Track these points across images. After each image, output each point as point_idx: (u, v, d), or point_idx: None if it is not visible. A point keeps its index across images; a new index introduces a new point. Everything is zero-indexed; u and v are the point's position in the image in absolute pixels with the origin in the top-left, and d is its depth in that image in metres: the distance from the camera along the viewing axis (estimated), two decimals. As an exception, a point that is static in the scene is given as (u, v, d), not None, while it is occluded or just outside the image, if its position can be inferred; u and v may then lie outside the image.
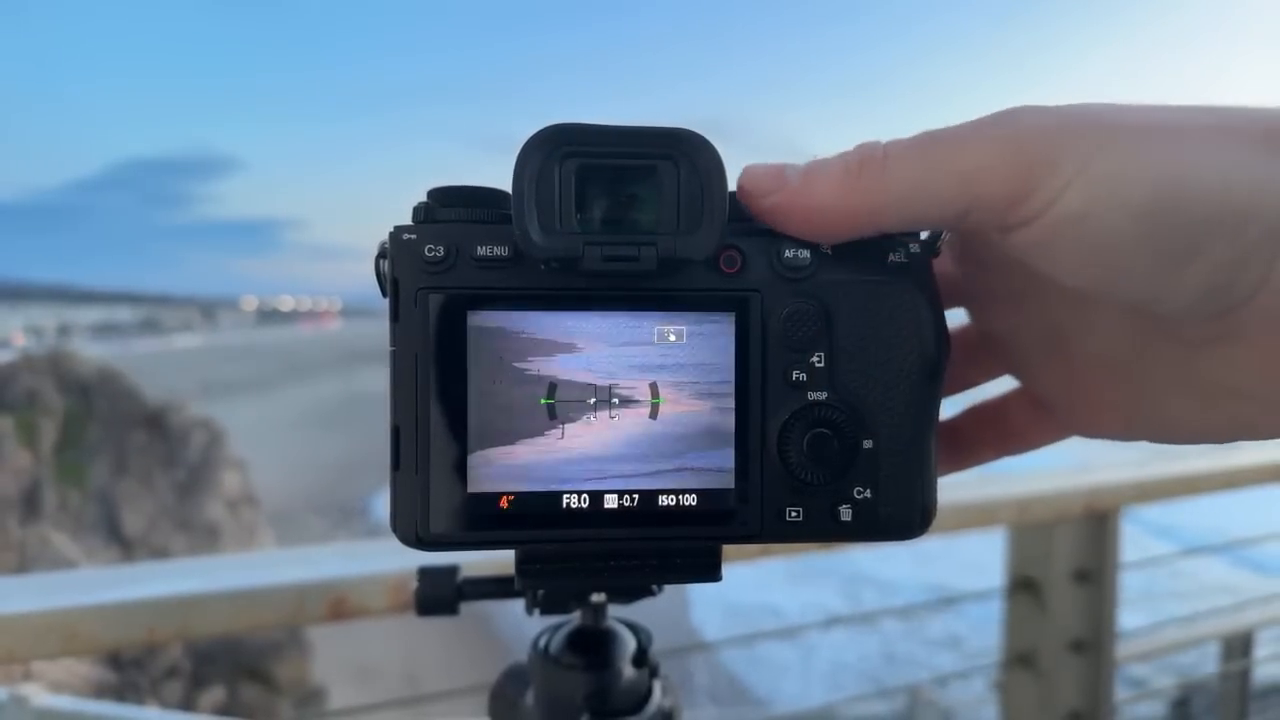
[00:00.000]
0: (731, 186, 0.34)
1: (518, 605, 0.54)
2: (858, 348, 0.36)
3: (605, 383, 0.35)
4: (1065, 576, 1.54)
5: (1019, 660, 1.58)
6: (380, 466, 0.35)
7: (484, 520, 0.35)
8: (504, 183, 0.34)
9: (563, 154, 0.33)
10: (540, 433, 0.35)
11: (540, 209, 0.33)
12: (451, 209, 0.35)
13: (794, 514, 0.36)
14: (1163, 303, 0.31)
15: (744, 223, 0.35)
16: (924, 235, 0.37)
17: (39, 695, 1.14)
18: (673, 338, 0.35)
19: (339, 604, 0.99)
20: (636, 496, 0.35)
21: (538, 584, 0.40)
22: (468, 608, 0.58)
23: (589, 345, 0.35)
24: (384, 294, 0.36)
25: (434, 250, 0.34)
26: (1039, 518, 1.43)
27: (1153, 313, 0.33)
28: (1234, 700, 1.92)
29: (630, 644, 0.55)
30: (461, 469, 0.34)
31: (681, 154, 0.33)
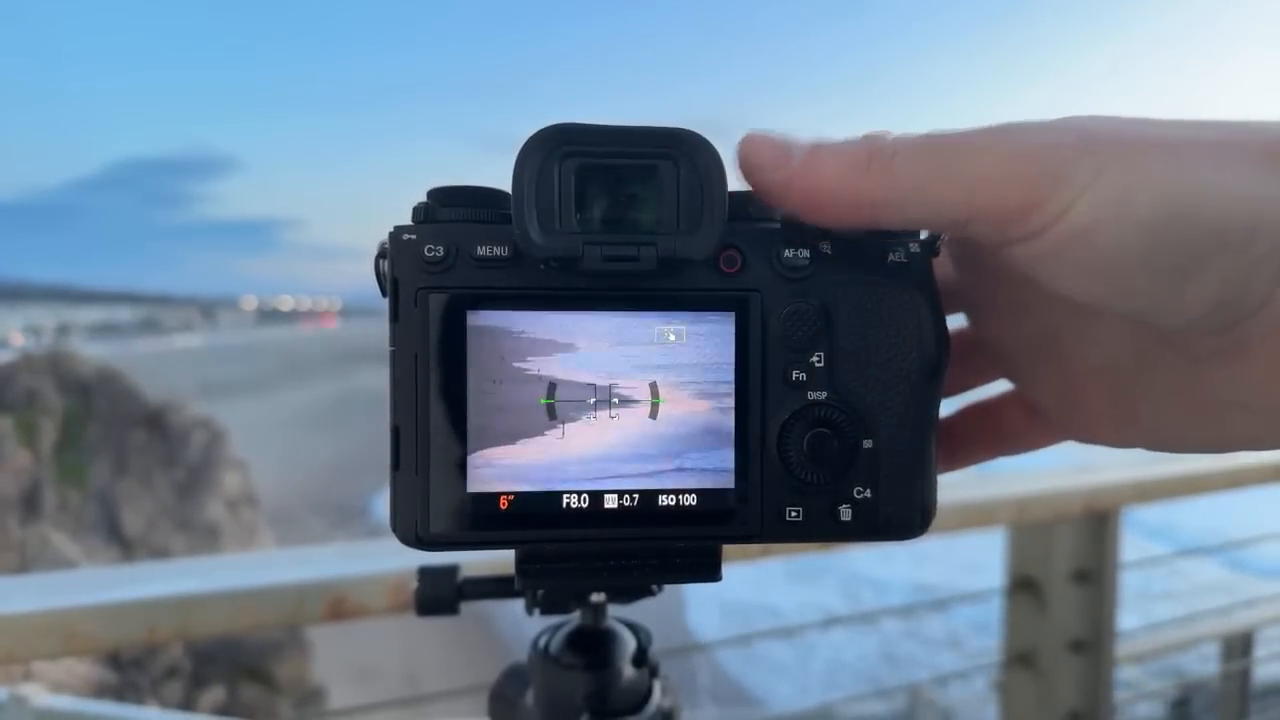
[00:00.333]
0: (732, 186, 0.34)
1: (518, 605, 0.54)
2: (858, 347, 0.36)
3: (605, 382, 0.35)
4: (1065, 576, 1.54)
5: (1019, 660, 1.58)
6: (379, 466, 0.35)
7: (484, 520, 0.35)
8: (504, 183, 0.34)
9: (563, 154, 0.33)
10: (540, 432, 0.35)
11: (540, 209, 0.33)
12: (451, 209, 0.35)
13: (794, 514, 0.36)
14: (1168, 317, 0.31)
15: (744, 222, 0.36)
16: (924, 235, 0.37)
17: (39, 695, 1.14)
18: (673, 337, 0.35)
19: (339, 604, 0.99)
20: (636, 496, 0.35)
21: (538, 584, 0.40)
22: (468, 608, 0.58)
23: (589, 345, 0.35)
24: (384, 294, 0.36)
25: (434, 250, 0.34)
26: (1039, 518, 1.43)
27: (1155, 326, 0.33)
28: (1234, 700, 1.92)
29: (630, 644, 0.55)
30: (461, 469, 0.34)
31: (681, 154, 0.33)
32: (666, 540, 0.37)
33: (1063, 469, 1.51)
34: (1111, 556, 1.53)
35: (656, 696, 0.55)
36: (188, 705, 8.02)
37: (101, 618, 0.93)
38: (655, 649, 0.56)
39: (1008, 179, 0.30)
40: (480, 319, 0.34)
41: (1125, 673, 1.63)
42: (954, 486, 1.29)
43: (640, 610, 0.55)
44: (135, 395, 13.00)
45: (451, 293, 0.34)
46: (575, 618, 0.56)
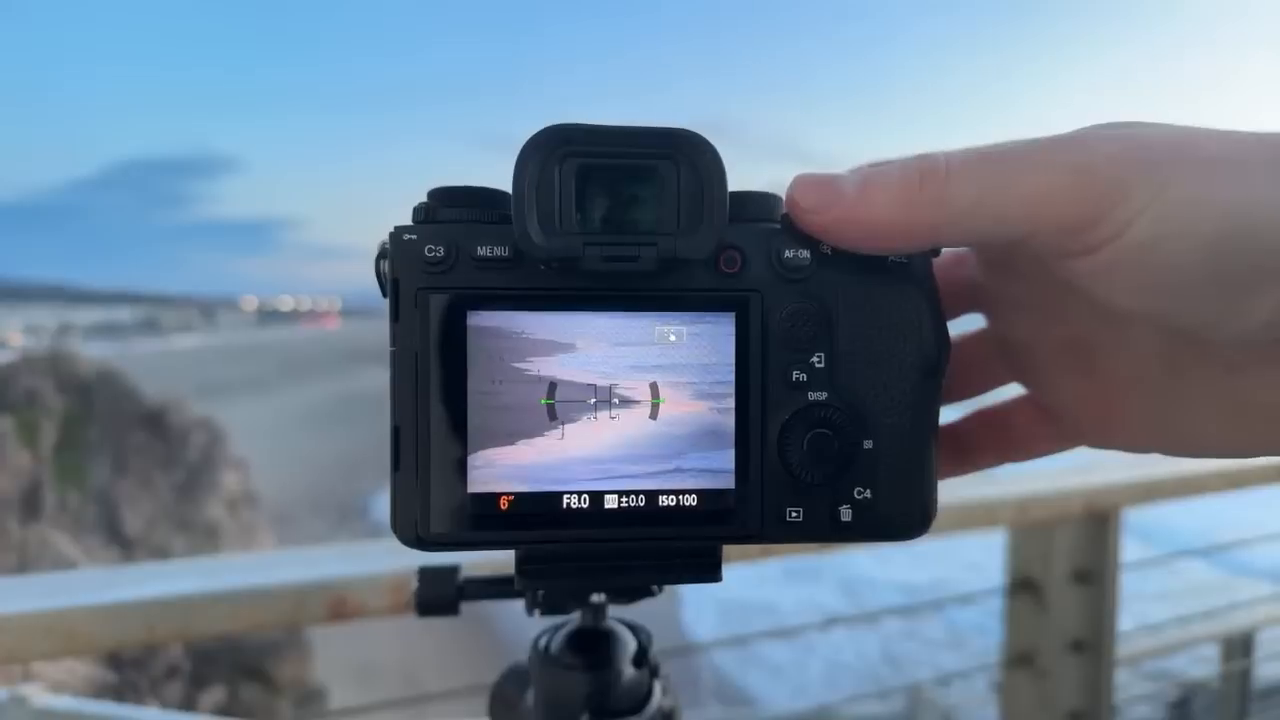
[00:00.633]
0: (732, 186, 0.34)
1: (518, 605, 0.54)
2: (858, 348, 0.36)
3: (605, 383, 0.35)
4: (1065, 577, 1.54)
5: (1019, 660, 1.58)
6: (380, 466, 0.35)
7: (484, 520, 0.35)
8: (504, 183, 0.34)
9: (563, 154, 0.33)
10: (540, 433, 0.35)
11: (540, 209, 0.33)
12: (452, 209, 0.35)
13: (794, 514, 0.36)
14: (1222, 331, 0.31)
15: (744, 223, 0.36)
16: None
17: (39, 695, 1.14)
18: (673, 338, 0.35)
19: (339, 604, 0.99)
20: (637, 497, 0.35)
21: (538, 584, 0.40)
22: (468, 608, 0.58)
23: (589, 345, 0.35)
24: (384, 294, 0.36)
25: (434, 250, 0.34)
26: (1039, 518, 1.43)
27: (1205, 338, 0.33)
28: (1234, 700, 1.92)
29: (630, 644, 0.55)
30: (461, 469, 0.34)
31: (681, 154, 0.33)
32: (667, 540, 0.37)
33: (1063, 469, 1.51)
34: (1112, 557, 1.53)
35: (657, 697, 0.55)
36: (188, 705, 8.02)
37: (101, 618, 0.93)
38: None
39: (1067, 195, 0.30)
40: (480, 319, 0.34)
41: (1125, 673, 1.63)
42: (954, 487, 1.29)
43: (635, 609, 0.55)
44: (135, 395, 13.00)
45: (452, 293, 0.34)
46: (575, 618, 0.56)
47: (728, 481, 0.36)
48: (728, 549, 0.39)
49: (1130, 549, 1.58)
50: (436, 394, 0.34)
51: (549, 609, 0.53)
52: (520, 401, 0.35)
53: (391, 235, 0.35)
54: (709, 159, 0.33)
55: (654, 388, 0.35)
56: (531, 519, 0.35)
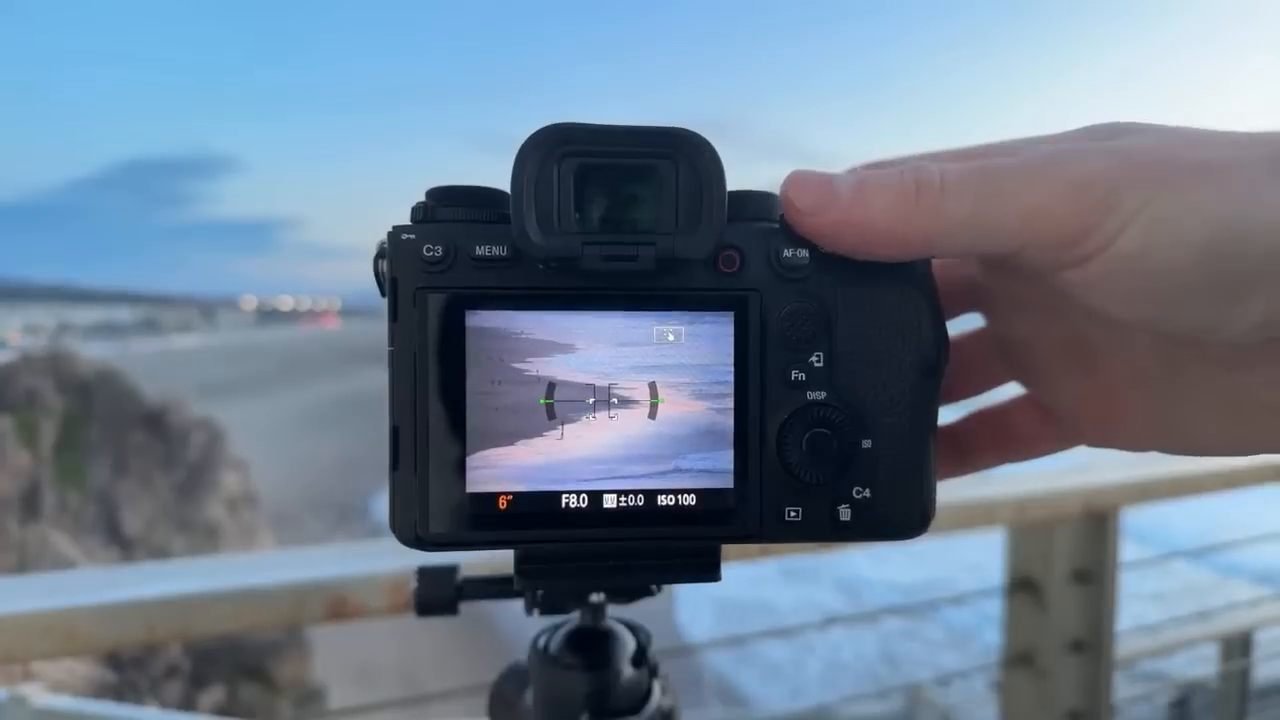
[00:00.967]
0: (731, 186, 0.34)
1: (518, 605, 0.54)
2: (857, 347, 0.36)
3: (604, 383, 0.35)
4: (1065, 577, 1.54)
5: (1019, 660, 1.58)
6: (379, 467, 0.35)
7: (483, 520, 0.35)
8: (504, 183, 0.34)
9: (561, 154, 0.33)
10: (539, 433, 0.35)
11: (539, 209, 0.33)
12: (450, 209, 0.35)
13: (793, 514, 0.36)
14: (1215, 334, 0.31)
15: (743, 222, 0.36)
16: None
17: (39, 695, 1.14)
18: (671, 337, 0.35)
19: (338, 604, 0.99)
20: (635, 496, 0.35)
21: (537, 584, 0.40)
22: (468, 608, 0.58)
23: (588, 345, 0.35)
24: (383, 294, 0.36)
25: (433, 250, 0.34)
26: (1038, 518, 1.43)
27: (1199, 340, 0.33)
28: (1234, 700, 1.92)
29: (630, 644, 0.55)
30: (460, 469, 0.34)
31: (680, 154, 0.33)
32: (666, 540, 0.37)
33: (1061, 469, 1.51)
34: (1111, 557, 1.53)
35: (656, 696, 0.55)
36: (187, 705, 8.02)
37: (101, 618, 0.93)
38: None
39: (1060, 208, 0.30)
40: (479, 319, 0.34)
41: (1124, 673, 1.63)
42: (953, 487, 1.29)
43: (630, 608, 0.55)
44: (135, 395, 13.00)
45: (450, 293, 0.34)
46: (575, 618, 0.56)
47: (727, 481, 0.36)
48: (726, 548, 0.39)
49: (1125, 550, 1.58)
50: (435, 394, 0.34)
51: (548, 609, 0.53)
52: (519, 401, 0.34)
53: (390, 235, 0.35)
54: (708, 158, 0.33)
55: (653, 387, 0.35)
56: (530, 519, 0.35)
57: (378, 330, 0.38)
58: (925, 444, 0.37)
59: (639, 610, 0.55)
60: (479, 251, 0.34)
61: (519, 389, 0.34)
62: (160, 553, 11.00)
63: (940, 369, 0.37)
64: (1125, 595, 1.56)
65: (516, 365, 0.34)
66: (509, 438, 0.35)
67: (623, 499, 0.35)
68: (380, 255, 0.36)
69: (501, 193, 0.35)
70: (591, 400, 0.35)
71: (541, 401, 0.35)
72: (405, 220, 0.35)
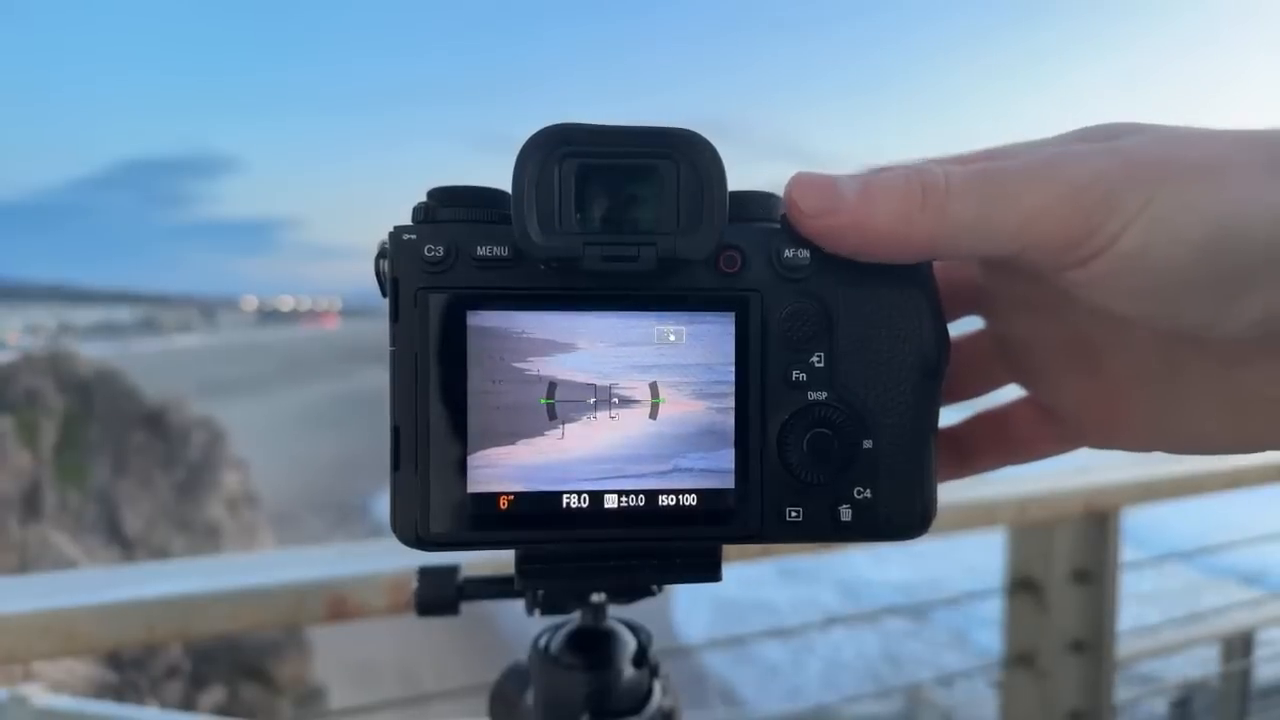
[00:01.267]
0: (732, 186, 0.34)
1: (519, 605, 0.54)
2: (858, 348, 0.36)
3: (605, 383, 0.35)
4: (1065, 577, 1.54)
5: (1019, 660, 1.58)
6: (380, 466, 0.35)
7: (484, 520, 0.35)
8: (504, 183, 0.34)
9: (562, 154, 0.33)
10: (540, 433, 0.35)
11: (540, 209, 0.33)
12: (451, 209, 0.35)
13: (794, 514, 0.36)
14: (1215, 331, 0.32)
15: (744, 222, 0.36)
16: None
17: (39, 695, 1.14)
18: (672, 338, 0.35)
19: (339, 604, 0.99)
20: (636, 496, 0.35)
21: (538, 584, 0.40)
22: (469, 608, 0.58)
23: (589, 345, 0.35)
24: (384, 294, 0.36)
25: (434, 250, 0.34)
26: (1039, 518, 1.44)
27: (1198, 335, 0.33)
28: (1234, 700, 1.92)
29: (630, 644, 0.55)
30: (461, 469, 0.34)
31: (681, 154, 0.33)
32: (667, 540, 0.37)
33: (1062, 470, 1.51)
34: (1111, 557, 1.53)
35: (657, 696, 0.55)
36: (187, 705, 8.02)
37: (101, 618, 0.93)
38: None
39: (1061, 210, 0.31)
40: (480, 319, 0.34)
41: (1125, 673, 1.63)
42: (954, 487, 1.29)
43: (628, 608, 0.55)
44: (135, 395, 13.00)
45: (451, 293, 0.34)
46: (575, 618, 0.56)
47: (727, 481, 0.36)
48: (727, 548, 0.39)
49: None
50: (436, 394, 0.34)
51: (549, 609, 0.53)
52: (520, 401, 0.34)
53: (391, 235, 0.35)
54: (709, 158, 0.33)
55: (654, 387, 0.35)
56: (531, 519, 0.35)
57: (378, 330, 0.38)
58: (926, 444, 0.37)
59: (636, 611, 0.55)
60: (480, 252, 0.34)
61: (520, 389, 0.34)
62: (161, 552, 11.00)
63: (941, 370, 0.37)
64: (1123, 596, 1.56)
65: (517, 365, 0.34)
66: (510, 438, 0.35)
67: (624, 499, 0.35)
68: (381, 255, 0.36)
69: (502, 193, 0.35)
70: (592, 400, 0.35)
71: (542, 401, 0.35)
72: (406, 220, 0.35)
